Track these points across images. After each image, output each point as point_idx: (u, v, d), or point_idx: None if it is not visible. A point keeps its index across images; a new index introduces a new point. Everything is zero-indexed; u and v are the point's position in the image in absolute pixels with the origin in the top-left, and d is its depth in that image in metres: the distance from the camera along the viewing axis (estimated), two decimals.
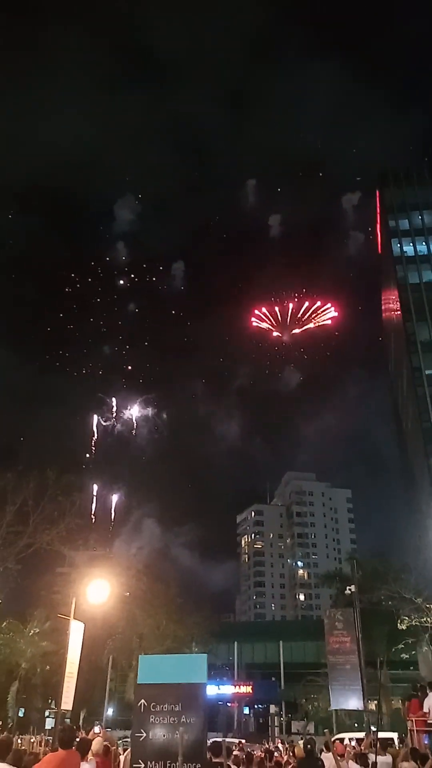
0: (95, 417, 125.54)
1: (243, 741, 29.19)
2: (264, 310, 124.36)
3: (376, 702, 39.18)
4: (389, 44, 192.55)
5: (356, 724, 35.32)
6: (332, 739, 15.38)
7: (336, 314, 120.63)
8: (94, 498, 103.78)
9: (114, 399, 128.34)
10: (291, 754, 16.73)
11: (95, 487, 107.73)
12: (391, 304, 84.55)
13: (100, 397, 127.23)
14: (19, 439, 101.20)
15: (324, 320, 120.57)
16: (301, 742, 17.39)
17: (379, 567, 35.06)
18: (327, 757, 13.46)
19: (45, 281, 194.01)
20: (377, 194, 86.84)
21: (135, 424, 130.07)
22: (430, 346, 66.89)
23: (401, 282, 73.09)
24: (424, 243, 74.62)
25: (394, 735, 21.16)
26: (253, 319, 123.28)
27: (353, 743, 17.38)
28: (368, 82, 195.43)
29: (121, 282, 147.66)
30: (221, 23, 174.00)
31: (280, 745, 26.56)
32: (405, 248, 75.05)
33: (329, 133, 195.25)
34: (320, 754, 14.26)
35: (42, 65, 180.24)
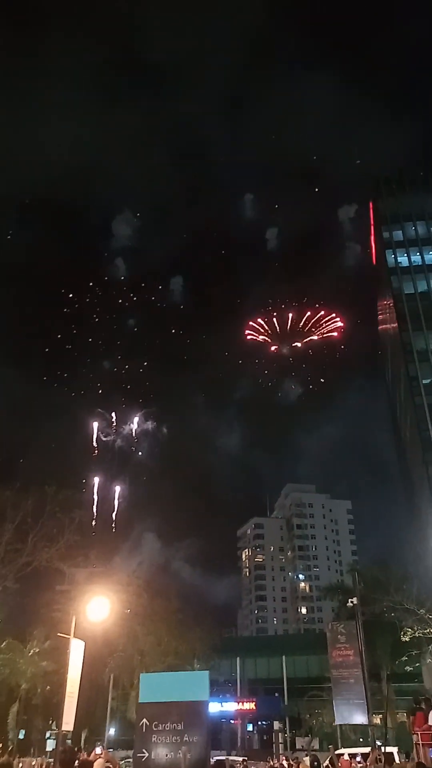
0: (95, 430, 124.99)
1: (245, 759, 28.78)
2: (261, 321, 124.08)
3: (381, 716, 38.80)
4: (386, 50, 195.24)
5: (361, 739, 34.85)
6: (335, 754, 15.19)
7: (341, 325, 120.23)
8: (95, 497, 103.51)
9: (114, 414, 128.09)
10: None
11: (96, 480, 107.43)
12: (387, 314, 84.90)
13: (100, 413, 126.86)
14: (18, 456, 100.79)
15: (329, 331, 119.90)
16: (306, 759, 17.18)
17: (381, 576, 34.82)
18: None
19: (43, 296, 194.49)
20: (371, 205, 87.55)
21: (135, 438, 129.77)
22: (427, 355, 67.10)
23: (396, 292, 73.44)
24: (418, 253, 75.10)
25: (394, 750, 20.96)
26: (247, 332, 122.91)
27: (358, 759, 17.16)
28: (365, 88, 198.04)
29: (120, 300, 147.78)
30: (219, 29, 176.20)
31: (284, 762, 26.18)
32: (399, 259, 75.53)
33: (327, 140, 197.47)
34: None
35: (40, 71, 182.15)
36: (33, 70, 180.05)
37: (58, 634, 27.84)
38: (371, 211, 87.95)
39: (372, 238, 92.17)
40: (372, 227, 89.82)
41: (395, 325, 73.93)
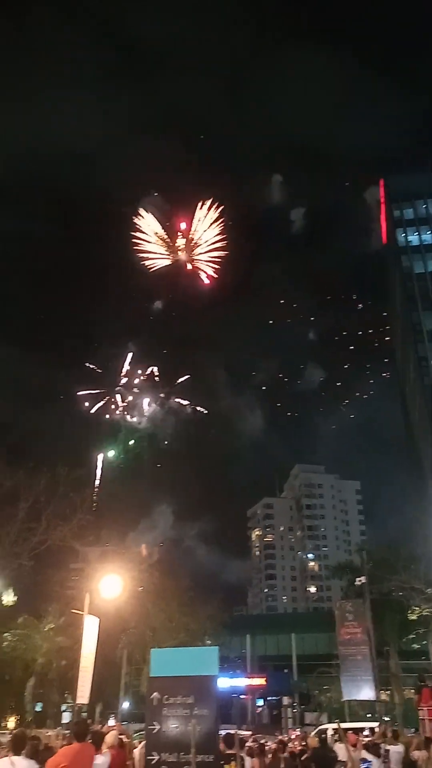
0: (118, 406, 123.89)
1: (249, 733, 29.42)
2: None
3: (388, 692, 39.46)
4: (397, 25, 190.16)
5: (369, 715, 35.51)
6: (341, 727, 15.54)
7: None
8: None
9: (120, 396, 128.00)
10: (304, 744, 16.93)
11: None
12: (396, 294, 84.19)
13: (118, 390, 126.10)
14: (31, 436, 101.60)
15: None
16: (313, 734, 17.64)
17: (389, 556, 35.16)
18: (339, 747, 13.62)
19: (55, 282, 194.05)
20: (381, 183, 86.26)
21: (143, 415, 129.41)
22: None
23: (406, 272, 72.72)
24: (429, 232, 74.14)
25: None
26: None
27: (365, 732, 17.57)
28: (375, 65, 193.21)
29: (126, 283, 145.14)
30: (222, 6, 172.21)
31: (293, 736, 26.80)
32: (410, 238, 74.65)
33: (335, 120, 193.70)
34: (334, 744, 14.46)
35: (35, 60, 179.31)
36: (27, 58, 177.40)
37: (73, 610, 28.52)
38: (381, 189, 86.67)
39: (382, 216, 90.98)
40: (382, 206, 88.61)
41: (405, 304, 73.38)
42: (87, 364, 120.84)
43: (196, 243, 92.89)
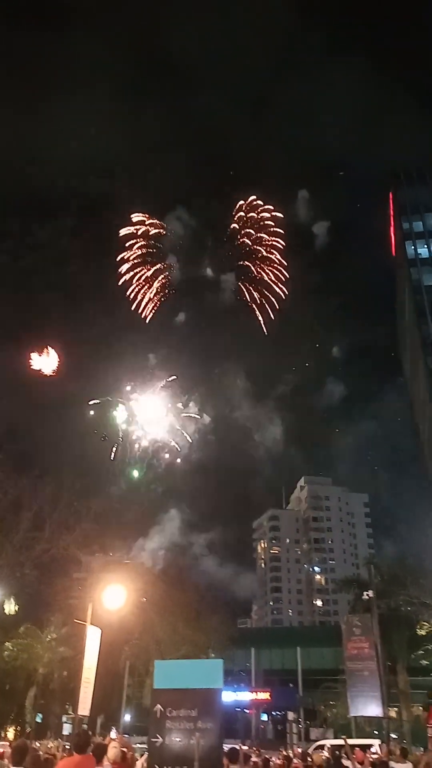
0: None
1: (257, 748, 28.94)
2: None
3: (396, 709, 38.73)
4: (413, 40, 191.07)
5: (376, 731, 34.85)
6: (326, 746, 15.19)
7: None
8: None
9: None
10: (310, 759, 16.56)
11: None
12: (406, 306, 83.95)
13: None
14: (36, 445, 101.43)
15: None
16: (324, 752, 17.27)
17: (398, 570, 34.70)
18: (346, 764, 13.29)
19: (73, 293, 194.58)
20: (390, 196, 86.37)
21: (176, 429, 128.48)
22: None
23: (416, 284, 72.54)
24: None
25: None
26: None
27: (373, 749, 17.18)
28: (391, 79, 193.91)
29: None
30: (245, 24, 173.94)
31: (298, 750, 26.30)
32: (419, 250, 74.51)
33: (350, 133, 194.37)
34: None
35: (60, 73, 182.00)
36: (52, 71, 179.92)
37: (75, 620, 28.25)
38: (390, 202, 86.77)
39: (392, 229, 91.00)
40: (392, 218, 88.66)
41: (414, 318, 73.11)
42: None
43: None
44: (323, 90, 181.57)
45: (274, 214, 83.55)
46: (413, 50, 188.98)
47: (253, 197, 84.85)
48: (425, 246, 74.52)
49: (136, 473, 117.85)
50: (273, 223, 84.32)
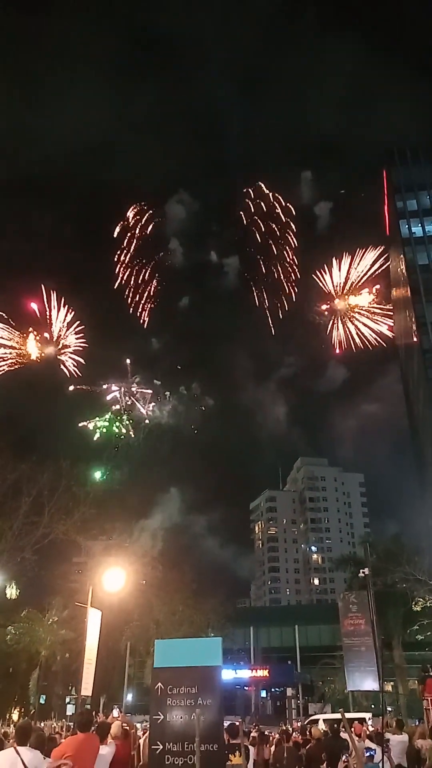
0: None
1: (256, 724, 29.54)
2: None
3: (392, 683, 39.51)
4: (407, 16, 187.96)
5: (373, 705, 35.61)
6: (320, 720, 15.54)
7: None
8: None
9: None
10: (309, 734, 16.95)
11: None
12: (400, 286, 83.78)
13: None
14: (36, 430, 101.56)
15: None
16: (321, 724, 17.66)
17: (393, 548, 35.15)
18: (344, 737, 13.63)
19: (70, 276, 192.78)
20: (384, 173, 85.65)
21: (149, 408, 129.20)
22: None
23: (410, 263, 72.25)
24: None
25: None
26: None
27: (370, 722, 17.60)
28: (383, 56, 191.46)
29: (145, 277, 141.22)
30: (234, 2, 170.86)
31: (298, 725, 26.87)
32: (414, 229, 74.11)
33: (345, 111, 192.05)
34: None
35: (52, 54, 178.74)
36: (45, 52, 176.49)
37: (76, 603, 28.58)
38: (384, 180, 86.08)
39: (385, 208, 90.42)
40: (385, 197, 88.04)
41: (408, 297, 73.01)
42: None
43: None
44: (317, 69, 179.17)
45: (284, 205, 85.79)
46: (408, 27, 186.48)
47: (260, 184, 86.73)
48: (419, 225, 74.11)
49: (98, 474, 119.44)
50: (283, 217, 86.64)
